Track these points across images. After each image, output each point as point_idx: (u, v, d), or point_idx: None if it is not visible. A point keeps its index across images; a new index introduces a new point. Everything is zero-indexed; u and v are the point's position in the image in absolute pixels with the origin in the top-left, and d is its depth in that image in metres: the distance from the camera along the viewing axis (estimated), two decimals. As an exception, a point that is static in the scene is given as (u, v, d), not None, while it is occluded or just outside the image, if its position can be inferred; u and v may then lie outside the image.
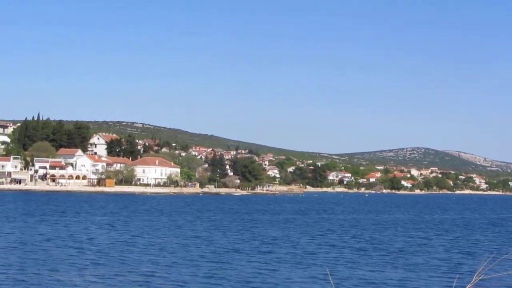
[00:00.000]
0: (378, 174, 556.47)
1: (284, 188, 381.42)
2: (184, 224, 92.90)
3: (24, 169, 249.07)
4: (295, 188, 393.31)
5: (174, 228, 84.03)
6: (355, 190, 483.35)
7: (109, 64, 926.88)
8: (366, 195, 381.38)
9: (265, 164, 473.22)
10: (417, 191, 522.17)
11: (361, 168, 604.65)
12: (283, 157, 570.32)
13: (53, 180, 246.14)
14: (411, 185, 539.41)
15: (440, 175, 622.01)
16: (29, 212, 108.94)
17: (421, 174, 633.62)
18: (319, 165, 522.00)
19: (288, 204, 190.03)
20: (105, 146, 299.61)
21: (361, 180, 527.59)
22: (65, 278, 41.00)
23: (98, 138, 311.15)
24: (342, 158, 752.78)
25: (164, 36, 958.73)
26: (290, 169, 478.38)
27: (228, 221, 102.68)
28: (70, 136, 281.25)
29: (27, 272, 43.27)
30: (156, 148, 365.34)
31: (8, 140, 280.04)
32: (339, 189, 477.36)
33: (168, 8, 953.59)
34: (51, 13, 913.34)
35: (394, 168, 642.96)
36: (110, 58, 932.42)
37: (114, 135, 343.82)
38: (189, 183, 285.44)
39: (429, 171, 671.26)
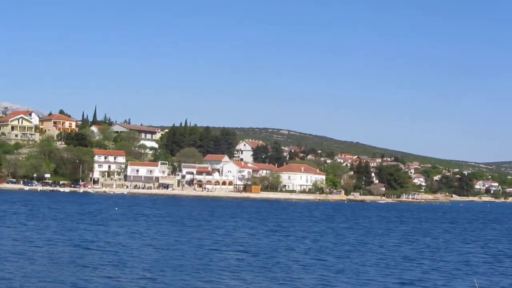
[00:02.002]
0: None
1: (429, 196, 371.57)
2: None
3: (172, 174, 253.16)
4: (440, 197, 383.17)
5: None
6: (502, 199, 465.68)
7: (254, 71, 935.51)
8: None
9: (411, 172, 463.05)
10: None
11: (509, 177, 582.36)
12: (429, 165, 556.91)
13: (200, 186, 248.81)
14: None
15: None
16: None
17: None
18: (466, 174, 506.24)
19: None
20: (251, 153, 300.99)
21: (508, 190, 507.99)
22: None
23: (245, 145, 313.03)
24: (489, 167, 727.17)
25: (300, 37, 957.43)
26: (436, 177, 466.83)
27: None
28: (217, 142, 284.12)
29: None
30: (301, 155, 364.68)
31: (156, 145, 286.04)
32: (486, 198, 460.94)
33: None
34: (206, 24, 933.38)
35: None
36: (256, 63, 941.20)
37: (260, 141, 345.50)
38: (334, 190, 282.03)
39: None
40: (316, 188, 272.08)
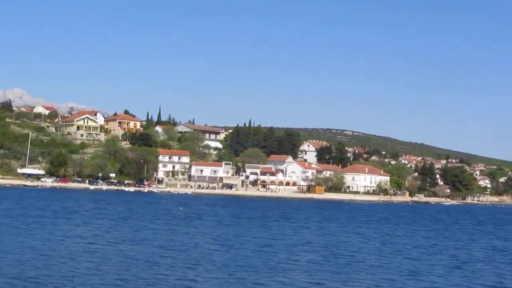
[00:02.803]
0: None
1: (495, 198, 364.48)
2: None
3: (236, 174, 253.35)
4: (506, 199, 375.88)
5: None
6: None
7: (318, 73, 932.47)
8: None
9: (476, 174, 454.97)
10: None
11: None
12: (495, 167, 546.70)
13: (264, 186, 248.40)
14: None
15: None
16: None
17: None
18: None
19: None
20: (315, 153, 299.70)
21: None
22: None
23: (308, 145, 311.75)
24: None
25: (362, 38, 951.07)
26: (502, 179, 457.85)
27: None
28: (281, 143, 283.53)
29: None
30: (365, 156, 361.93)
31: (220, 146, 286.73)
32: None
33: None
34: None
35: None
36: (324, 65, 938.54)
37: (324, 142, 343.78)
38: (399, 192, 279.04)
39: None
40: (380, 190, 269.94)
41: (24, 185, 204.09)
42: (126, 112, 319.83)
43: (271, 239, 71.75)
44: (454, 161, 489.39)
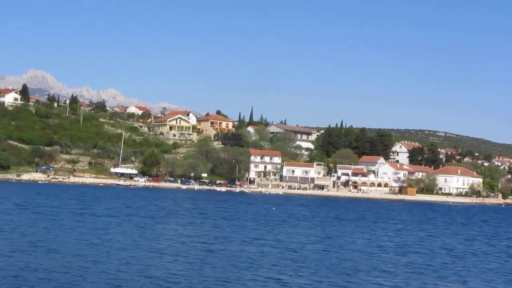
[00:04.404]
0: None
1: None
2: None
3: (327, 175, 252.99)
4: None
5: None
6: None
7: (408, 77, 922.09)
8: None
9: None
10: None
11: None
12: None
13: (355, 187, 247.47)
14: None
15: None
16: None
17: None
18: None
19: None
20: (407, 155, 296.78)
21: None
22: None
23: (400, 146, 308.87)
24: None
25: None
26: None
27: None
28: (372, 144, 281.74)
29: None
30: (458, 157, 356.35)
31: (312, 146, 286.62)
32: None
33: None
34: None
35: None
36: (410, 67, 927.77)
37: (416, 143, 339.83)
38: (492, 194, 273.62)
39: None
40: (472, 192, 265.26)
41: (117, 184, 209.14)
42: (218, 112, 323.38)
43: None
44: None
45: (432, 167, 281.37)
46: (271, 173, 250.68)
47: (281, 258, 53.05)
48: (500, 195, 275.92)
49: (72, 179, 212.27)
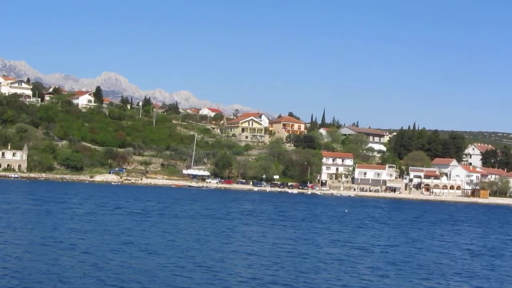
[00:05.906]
0: None
1: None
2: None
3: (399, 177, 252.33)
4: None
5: None
6: None
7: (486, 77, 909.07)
8: None
9: None
10: None
11: None
12: None
13: (427, 190, 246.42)
14: None
15: None
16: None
17: None
18: None
19: None
20: (480, 157, 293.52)
21: None
22: None
23: (473, 149, 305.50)
24: None
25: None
26: None
27: None
28: (445, 146, 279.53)
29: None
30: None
31: (384, 148, 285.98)
32: None
33: None
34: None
35: None
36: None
37: (490, 145, 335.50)
38: None
39: None
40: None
41: (190, 186, 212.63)
42: (290, 114, 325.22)
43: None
44: None
45: (506, 169, 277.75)
46: (343, 175, 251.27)
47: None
48: None
49: (145, 181, 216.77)
